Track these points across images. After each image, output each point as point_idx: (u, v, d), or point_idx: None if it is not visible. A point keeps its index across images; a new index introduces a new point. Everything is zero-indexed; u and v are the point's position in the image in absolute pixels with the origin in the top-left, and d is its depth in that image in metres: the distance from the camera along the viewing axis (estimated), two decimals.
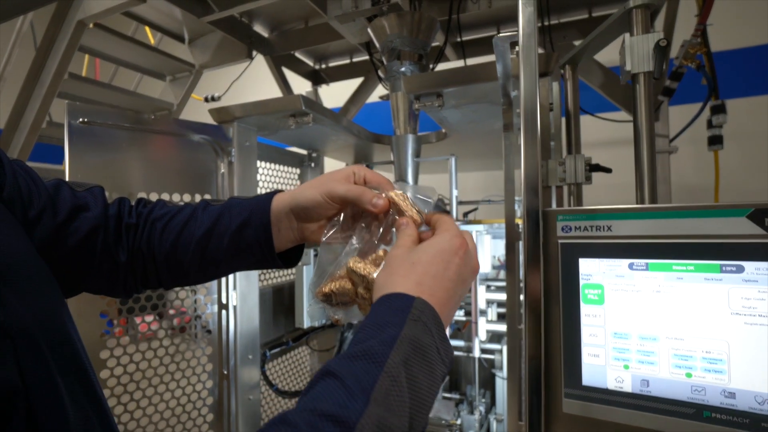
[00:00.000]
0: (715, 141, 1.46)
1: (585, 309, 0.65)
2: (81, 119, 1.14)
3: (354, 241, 0.53)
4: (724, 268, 0.57)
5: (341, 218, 0.56)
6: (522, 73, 0.69)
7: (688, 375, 0.59)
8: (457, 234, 0.46)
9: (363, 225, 0.55)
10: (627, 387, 0.63)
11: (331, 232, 0.56)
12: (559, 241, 0.67)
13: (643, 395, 0.62)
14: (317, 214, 0.56)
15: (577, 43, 1.67)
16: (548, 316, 0.67)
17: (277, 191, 0.60)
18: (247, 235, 0.57)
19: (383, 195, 0.53)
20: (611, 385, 0.64)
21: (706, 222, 0.58)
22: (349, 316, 0.53)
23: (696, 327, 0.59)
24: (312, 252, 1.59)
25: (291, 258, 0.62)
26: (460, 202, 1.63)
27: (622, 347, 0.63)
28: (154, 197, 1.29)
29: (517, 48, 0.82)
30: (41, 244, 0.48)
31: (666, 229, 0.60)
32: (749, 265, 0.56)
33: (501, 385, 1.57)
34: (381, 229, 0.53)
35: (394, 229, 0.54)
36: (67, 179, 1.15)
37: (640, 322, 0.62)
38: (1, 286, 0.33)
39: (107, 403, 0.42)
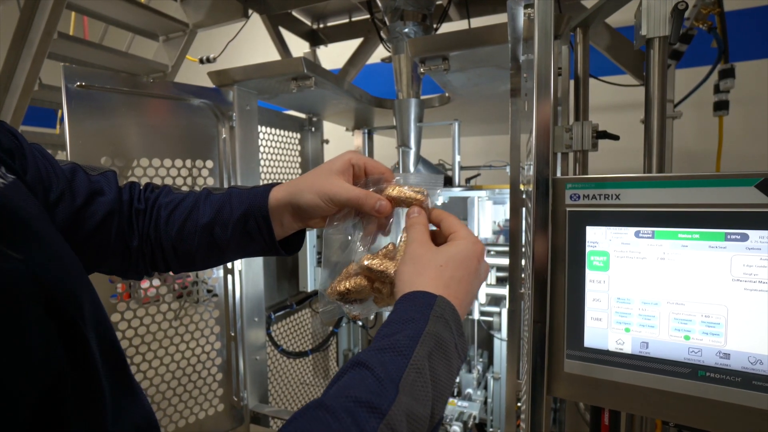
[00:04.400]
0: (721, 106, 1.43)
1: (590, 275, 0.67)
2: (78, 83, 1.11)
3: (360, 236, 0.54)
4: (728, 237, 0.58)
5: (343, 212, 0.56)
6: (536, 36, 0.67)
7: (686, 337, 0.62)
8: (476, 240, 0.50)
9: (365, 218, 0.55)
10: (627, 349, 0.66)
11: (334, 225, 0.56)
12: (567, 209, 0.68)
13: (641, 356, 0.65)
14: (318, 215, 0.56)
15: (585, 3, 1.62)
16: (553, 282, 0.69)
17: (274, 184, 0.60)
18: (249, 226, 0.58)
19: (386, 195, 0.54)
20: (612, 346, 0.67)
21: (714, 191, 0.59)
22: (366, 310, 0.54)
23: (697, 293, 0.61)
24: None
25: (293, 244, 0.63)
26: (462, 168, 1.63)
27: (625, 311, 0.65)
28: (156, 163, 1.28)
29: (530, 10, 0.79)
30: (61, 228, 0.48)
31: (674, 198, 0.61)
32: (754, 234, 0.57)
33: (498, 346, 1.63)
34: (389, 221, 0.55)
35: (392, 221, 0.56)
36: (68, 146, 1.13)
37: (643, 288, 0.64)
38: (33, 261, 0.34)
39: (136, 380, 0.44)
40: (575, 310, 0.68)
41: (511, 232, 1.05)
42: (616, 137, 0.91)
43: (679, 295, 0.62)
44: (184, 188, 1.35)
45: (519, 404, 1.11)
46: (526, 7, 0.78)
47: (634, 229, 0.64)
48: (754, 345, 0.58)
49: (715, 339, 0.60)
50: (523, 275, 1.07)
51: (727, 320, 0.59)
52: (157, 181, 1.29)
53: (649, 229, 0.63)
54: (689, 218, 0.60)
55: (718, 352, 0.60)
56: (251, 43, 2.69)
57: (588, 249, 0.67)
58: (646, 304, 0.64)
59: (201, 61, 2.51)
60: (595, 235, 0.66)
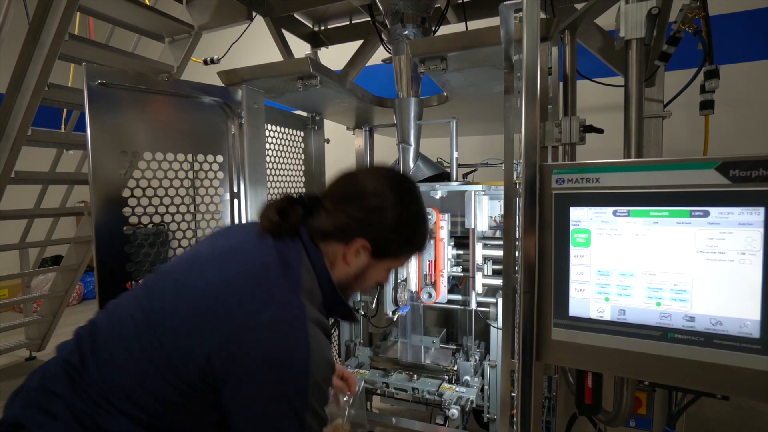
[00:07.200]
0: (707, 106, 1.50)
1: (574, 251, 0.75)
2: (99, 81, 1.19)
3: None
4: (693, 213, 0.66)
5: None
6: (525, 38, 0.75)
7: (658, 304, 0.70)
8: None
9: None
10: (606, 316, 0.74)
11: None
12: (554, 192, 0.76)
13: (619, 322, 0.73)
14: None
15: (578, 6, 1.70)
16: (541, 258, 0.77)
17: None
18: None
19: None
20: (593, 314, 0.74)
21: (680, 174, 0.67)
22: None
23: (667, 264, 0.69)
24: None
25: None
26: (459, 165, 1.70)
27: (604, 283, 0.73)
28: (170, 157, 1.35)
29: (520, 13, 0.87)
30: None
31: (647, 180, 0.69)
32: (714, 210, 0.65)
33: (495, 336, 1.69)
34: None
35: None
36: (89, 141, 1.19)
37: (620, 261, 0.72)
38: None
39: None
40: (561, 283, 0.76)
41: (505, 220, 1.12)
42: (600, 130, 0.99)
43: (652, 266, 0.70)
44: (197, 182, 1.42)
45: (513, 393, 1.17)
46: (516, 10, 0.85)
47: (612, 209, 0.72)
48: (715, 308, 0.66)
49: (682, 304, 0.68)
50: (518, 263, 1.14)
51: (692, 287, 0.67)
52: (171, 175, 1.36)
53: (625, 208, 0.71)
54: (660, 198, 0.68)
55: (684, 316, 0.68)
56: (254, 45, 2.76)
57: (572, 227, 0.75)
58: (623, 275, 0.72)
59: (205, 62, 2.58)
60: (578, 215, 0.74)
